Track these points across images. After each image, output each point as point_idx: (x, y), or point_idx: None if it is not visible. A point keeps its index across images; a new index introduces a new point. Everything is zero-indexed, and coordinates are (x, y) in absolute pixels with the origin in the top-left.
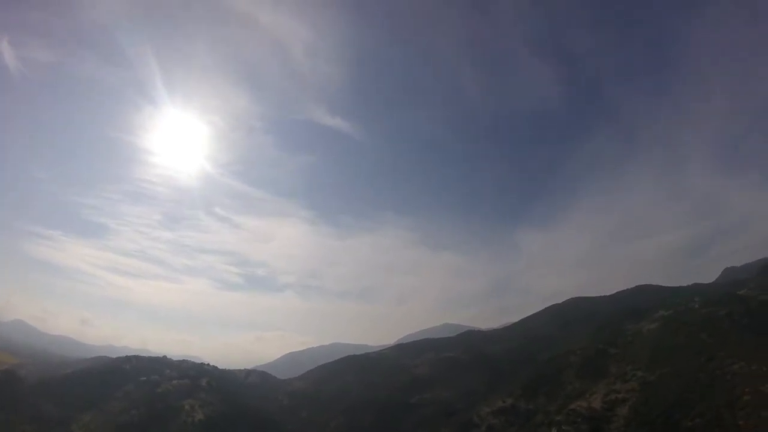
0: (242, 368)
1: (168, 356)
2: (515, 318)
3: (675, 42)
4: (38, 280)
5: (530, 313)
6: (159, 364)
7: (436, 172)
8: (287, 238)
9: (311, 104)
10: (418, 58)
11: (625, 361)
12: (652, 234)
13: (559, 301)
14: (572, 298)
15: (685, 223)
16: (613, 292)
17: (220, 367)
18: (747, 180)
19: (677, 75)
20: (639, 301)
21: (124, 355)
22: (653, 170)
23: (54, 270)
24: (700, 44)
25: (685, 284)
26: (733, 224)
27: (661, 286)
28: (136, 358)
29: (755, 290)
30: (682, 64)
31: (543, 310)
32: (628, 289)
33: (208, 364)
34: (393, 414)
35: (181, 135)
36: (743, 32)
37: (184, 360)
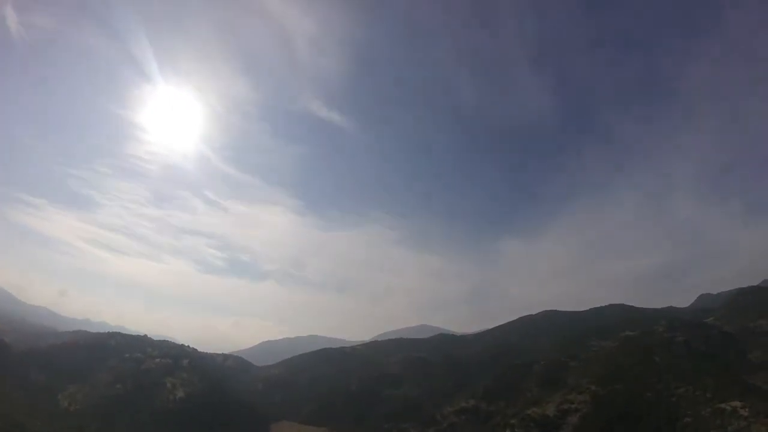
0: (219, 352)
1: (147, 335)
2: (492, 324)
3: (671, 75)
4: (20, 247)
5: (505, 322)
6: (141, 343)
7: (425, 175)
8: (273, 225)
9: (309, 96)
10: (418, 62)
11: (582, 375)
12: (632, 255)
13: (534, 313)
14: (546, 311)
15: (666, 248)
16: (587, 308)
17: (197, 350)
18: (729, 211)
19: (670, 106)
20: (609, 320)
21: (102, 330)
22: (639, 194)
23: (36, 238)
24: (694, 79)
25: (659, 306)
26: (713, 253)
27: (634, 306)
28: (120, 334)
29: (720, 320)
30: (676, 96)
31: (516, 320)
32: (601, 306)
33: (189, 346)
34: (362, 405)
35: (175, 114)
36: (738, 73)
37: (165, 340)
